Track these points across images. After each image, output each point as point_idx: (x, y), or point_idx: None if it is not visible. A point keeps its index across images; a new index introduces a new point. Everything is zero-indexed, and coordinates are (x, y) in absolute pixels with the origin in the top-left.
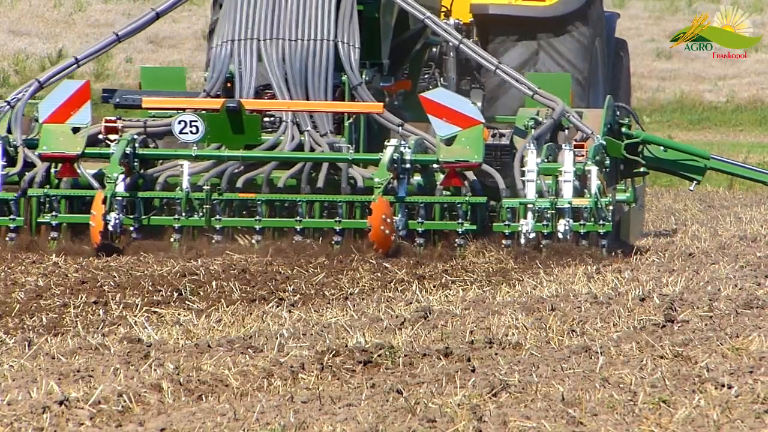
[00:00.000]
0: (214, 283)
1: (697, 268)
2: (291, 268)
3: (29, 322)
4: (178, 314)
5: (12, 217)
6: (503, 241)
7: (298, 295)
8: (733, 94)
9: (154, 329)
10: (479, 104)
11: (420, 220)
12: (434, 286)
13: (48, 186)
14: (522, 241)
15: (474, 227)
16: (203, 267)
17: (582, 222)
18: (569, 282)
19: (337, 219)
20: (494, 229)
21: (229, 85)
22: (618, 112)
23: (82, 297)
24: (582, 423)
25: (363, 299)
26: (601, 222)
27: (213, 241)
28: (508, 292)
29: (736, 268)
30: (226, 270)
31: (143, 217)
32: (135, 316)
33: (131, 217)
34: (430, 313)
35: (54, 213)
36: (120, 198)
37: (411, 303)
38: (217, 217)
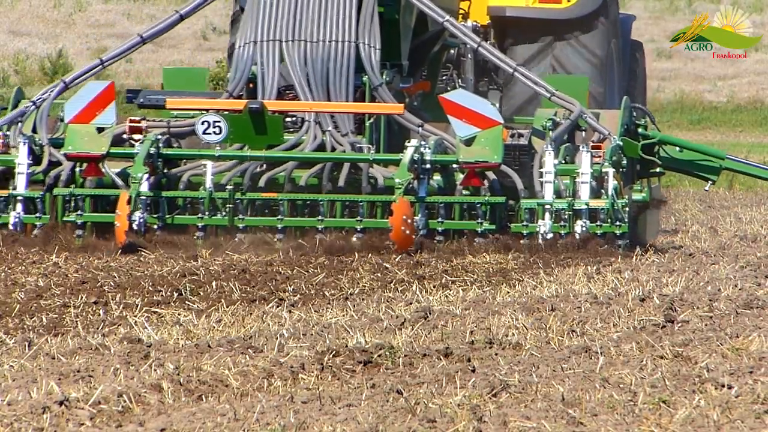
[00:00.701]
0: (214, 283)
1: (697, 268)
2: (291, 268)
3: (29, 322)
4: (178, 314)
5: (38, 215)
6: (521, 241)
7: (298, 296)
8: (733, 94)
9: (154, 329)
10: (497, 105)
11: (440, 219)
12: (434, 286)
13: (73, 185)
14: (540, 241)
15: (493, 227)
16: (203, 267)
17: (599, 223)
18: (569, 282)
19: (359, 218)
20: (512, 230)
21: (251, 85)
22: (634, 113)
23: (82, 297)
24: (582, 423)
25: (363, 299)
26: (617, 223)
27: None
28: (508, 292)
29: (736, 268)
30: (226, 270)
31: (167, 216)
32: (135, 316)
33: (155, 216)
34: (430, 313)
35: (79, 212)
36: (144, 197)
37: (411, 303)
38: (240, 216)
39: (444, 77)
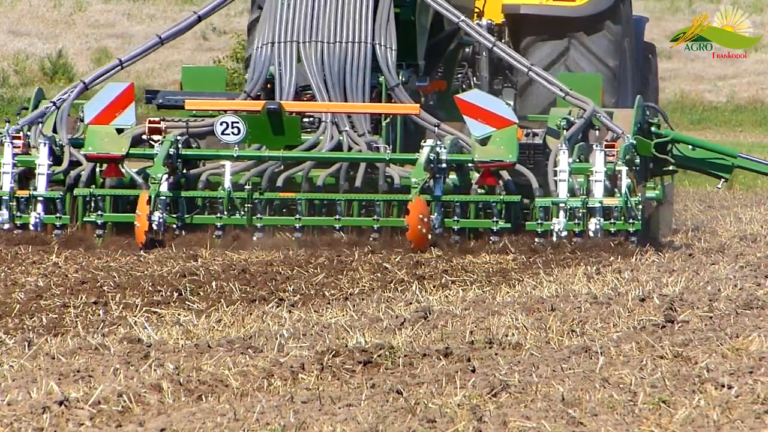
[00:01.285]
0: (214, 283)
1: (697, 268)
2: (291, 268)
3: (29, 323)
4: (178, 314)
5: (58, 215)
6: (536, 239)
7: (298, 296)
8: (733, 94)
9: (154, 329)
10: (511, 104)
11: (456, 218)
12: (434, 286)
13: (93, 185)
14: (554, 239)
15: (508, 225)
16: (203, 267)
17: (612, 221)
18: (569, 282)
19: (375, 217)
20: (527, 228)
21: (269, 86)
22: (647, 112)
23: (82, 297)
24: (582, 423)
25: (363, 299)
26: (630, 221)
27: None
28: (508, 292)
29: (736, 268)
30: (226, 270)
31: (186, 215)
32: (135, 316)
33: (175, 215)
34: (430, 313)
35: (99, 212)
36: (164, 197)
37: (411, 303)
38: (258, 215)
39: (459, 76)
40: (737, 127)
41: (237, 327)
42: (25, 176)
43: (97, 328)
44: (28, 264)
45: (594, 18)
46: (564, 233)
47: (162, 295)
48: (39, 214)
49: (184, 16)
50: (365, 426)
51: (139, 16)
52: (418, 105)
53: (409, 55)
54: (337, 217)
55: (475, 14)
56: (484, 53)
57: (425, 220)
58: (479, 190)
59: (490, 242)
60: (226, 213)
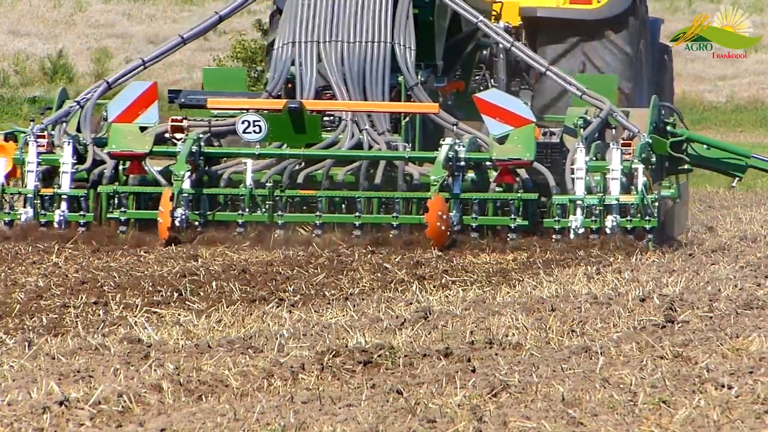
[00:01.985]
0: (214, 283)
1: (697, 268)
2: (291, 268)
3: (29, 323)
4: (178, 314)
5: (82, 212)
6: (553, 236)
7: (298, 296)
8: (733, 94)
9: (154, 329)
10: (528, 104)
11: (474, 215)
12: (434, 286)
13: (117, 183)
14: (571, 236)
15: (526, 223)
16: (203, 267)
17: (629, 218)
18: (569, 282)
19: (395, 215)
20: (545, 225)
21: (289, 85)
22: (663, 111)
23: (82, 297)
24: (582, 423)
25: (363, 299)
26: (647, 218)
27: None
28: (508, 292)
29: (736, 268)
30: (226, 270)
31: (208, 212)
32: (135, 316)
33: (197, 212)
34: (430, 314)
35: (123, 209)
36: (186, 195)
37: (411, 303)
38: (280, 212)
39: (477, 77)
40: (737, 127)
41: (237, 327)
42: (49, 174)
43: (97, 328)
44: (28, 264)
45: (610, 21)
46: (581, 230)
47: (162, 295)
48: (63, 211)
49: (186, 17)
50: (365, 426)
51: (139, 16)
52: (437, 104)
53: (428, 55)
54: (357, 214)
55: (492, 17)
56: (501, 55)
57: (444, 217)
58: (497, 188)
59: (509, 239)
60: (247, 210)
